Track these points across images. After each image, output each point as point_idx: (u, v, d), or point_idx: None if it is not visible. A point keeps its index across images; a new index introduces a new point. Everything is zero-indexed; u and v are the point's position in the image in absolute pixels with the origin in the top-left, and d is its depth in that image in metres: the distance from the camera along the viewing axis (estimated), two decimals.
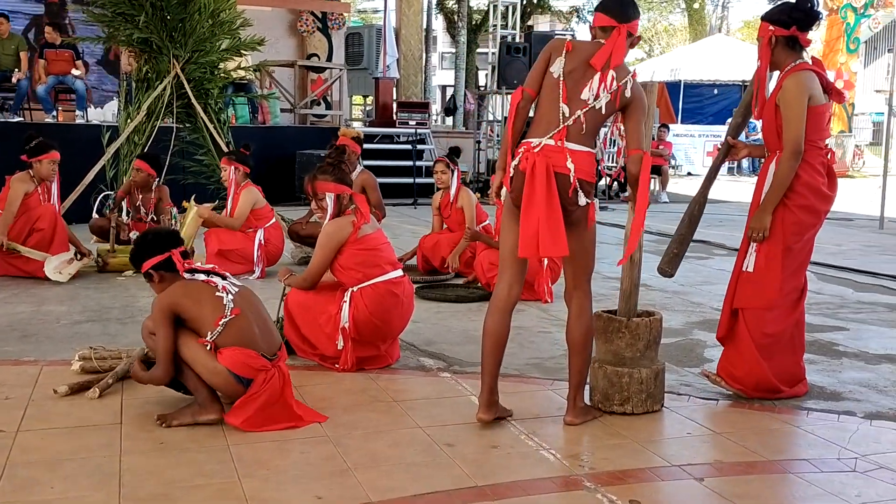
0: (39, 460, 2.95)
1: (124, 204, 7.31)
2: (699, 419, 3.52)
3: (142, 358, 3.86)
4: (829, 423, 3.48)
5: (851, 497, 2.77)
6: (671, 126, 17.11)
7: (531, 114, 3.38)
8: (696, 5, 29.29)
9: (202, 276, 3.38)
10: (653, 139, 17.14)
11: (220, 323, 3.24)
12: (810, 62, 3.70)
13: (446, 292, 6.02)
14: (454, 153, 6.93)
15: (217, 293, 3.31)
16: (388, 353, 4.26)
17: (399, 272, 4.23)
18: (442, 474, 2.90)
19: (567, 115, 3.25)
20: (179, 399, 3.47)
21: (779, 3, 3.84)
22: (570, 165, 3.20)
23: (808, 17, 3.67)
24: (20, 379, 3.84)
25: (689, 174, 20.07)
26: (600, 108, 3.25)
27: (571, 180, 3.20)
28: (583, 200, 3.25)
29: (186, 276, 3.37)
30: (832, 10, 23.20)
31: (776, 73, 3.75)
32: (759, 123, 3.86)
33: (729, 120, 17.72)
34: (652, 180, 14.20)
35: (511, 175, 3.30)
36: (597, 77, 3.25)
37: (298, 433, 3.25)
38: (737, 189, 15.80)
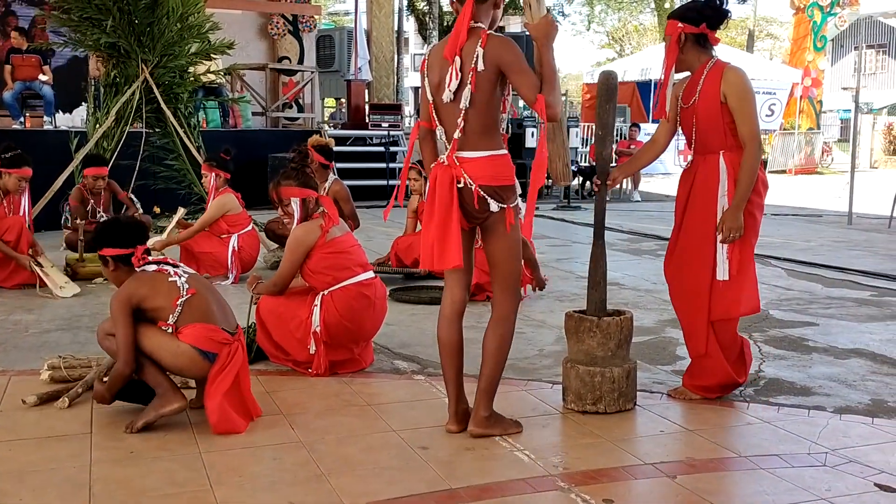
0: (7, 472, 2.90)
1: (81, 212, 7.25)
2: (672, 417, 3.54)
3: (104, 373, 3.83)
4: (800, 419, 3.52)
5: (822, 491, 2.80)
6: (643, 125, 17.22)
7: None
8: (666, 5, 29.51)
9: (152, 267, 3.40)
10: (624, 138, 17.32)
11: (178, 303, 3.29)
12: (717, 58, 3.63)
13: (420, 294, 6.02)
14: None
15: (170, 279, 3.36)
16: (362, 356, 4.25)
17: (370, 274, 4.22)
18: (416, 478, 2.89)
19: (450, 129, 3.13)
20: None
21: (685, 3, 3.77)
22: (466, 177, 3.09)
23: (719, 15, 3.61)
24: None
25: (662, 174, 20.22)
26: (469, 103, 3.04)
27: (474, 191, 3.10)
28: (494, 206, 3.13)
29: (138, 270, 3.39)
30: (799, 9, 23.48)
31: (681, 73, 3.70)
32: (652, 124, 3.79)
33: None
34: (625, 179, 14.28)
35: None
36: (450, 71, 3.05)
37: (271, 439, 3.24)
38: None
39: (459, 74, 3.04)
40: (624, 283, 6.57)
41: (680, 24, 3.61)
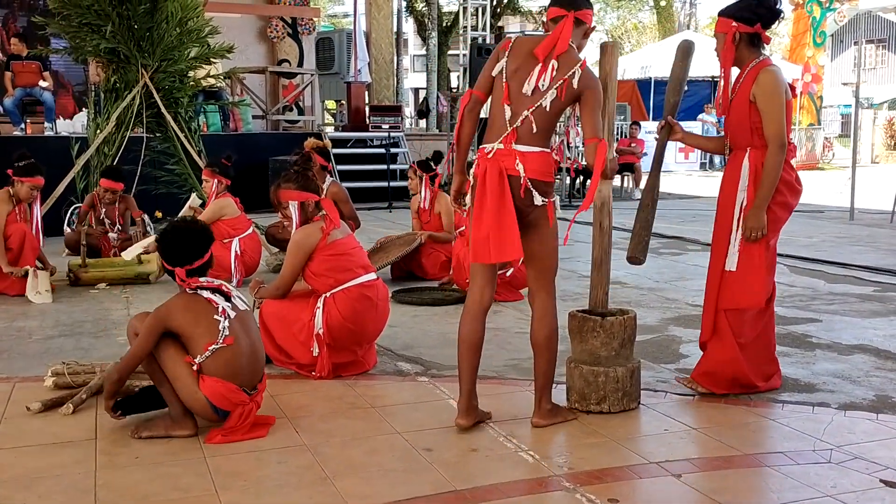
0: (13, 478, 2.91)
1: (89, 218, 7.26)
2: (676, 416, 3.54)
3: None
4: (804, 416, 3.52)
5: (827, 488, 2.80)
6: (643, 123, 17.21)
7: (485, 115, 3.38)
8: (663, 3, 29.51)
9: (206, 294, 3.29)
10: (625, 137, 17.25)
11: (210, 349, 3.19)
12: (764, 57, 3.69)
13: (423, 296, 6.02)
14: (436, 159, 6.96)
15: (215, 316, 3.24)
16: (365, 358, 4.25)
17: (372, 275, 4.22)
18: (421, 479, 2.89)
19: (513, 117, 3.23)
20: (154, 412, 3.45)
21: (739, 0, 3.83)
22: (520, 167, 3.20)
23: (773, 15, 3.68)
24: None
25: (663, 171, 20.20)
26: (546, 106, 3.21)
27: (522, 181, 3.20)
28: (538, 200, 3.23)
29: (189, 291, 3.31)
30: (798, 5, 23.44)
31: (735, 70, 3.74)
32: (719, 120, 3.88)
33: (701, 116, 17.74)
34: (625, 178, 14.28)
35: (472, 183, 3.32)
36: (537, 69, 3.22)
37: (275, 442, 3.24)
38: (708, 184, 15.93)
39: (553, 75, 3.20)
40: (627, 281, 6.57)
41: (734, 24, 3.64)
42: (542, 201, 3.25)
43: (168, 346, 3.23)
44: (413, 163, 7.04)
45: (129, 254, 6.26)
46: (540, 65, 3.22)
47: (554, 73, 3.21)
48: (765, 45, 3.72)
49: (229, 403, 3.23)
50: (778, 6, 3.70)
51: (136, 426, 3.32)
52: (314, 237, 4.08)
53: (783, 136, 3.58)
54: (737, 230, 3.66)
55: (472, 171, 3.33)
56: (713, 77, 21.55)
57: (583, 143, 3.27)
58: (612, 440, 3.26)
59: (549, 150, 3.29)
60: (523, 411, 3.56)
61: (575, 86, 3.21)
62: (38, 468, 3.00)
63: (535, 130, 3.23)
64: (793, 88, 3.88)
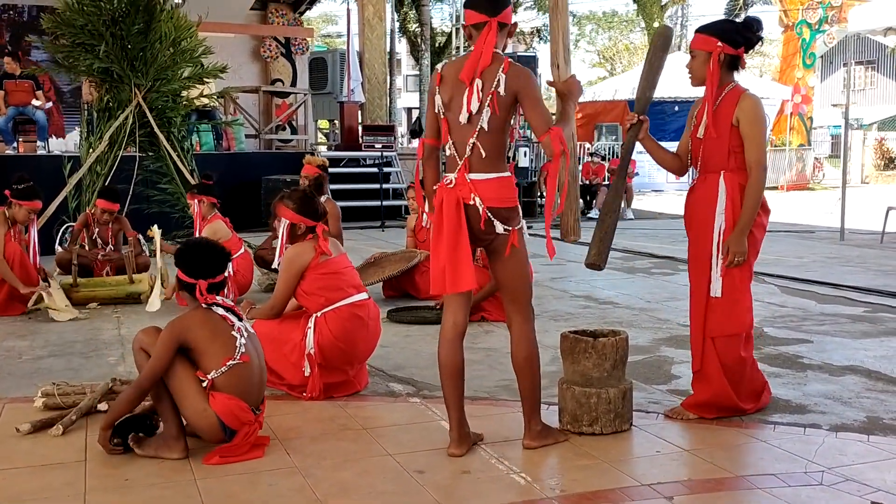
0: (2, 500, 2.88)
1: (81, 237, 7.24)
2: (668, 437, 3.54)
3: (104, 392, 3.82)
4: (796, 437, 3.52)
5: None
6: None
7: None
8: (655, 24, 29.72)
9: (221, 311, 3.30)
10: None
11: (227, 364, 3.19)
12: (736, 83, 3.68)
13: (415, 315, 6.01)
14: None
15: (232, 332, 3.25)
16: (357, 378, 4.24)
17: (364, 295, 4.22)
18: (413, 502, 2.88)
19: (459, 148, 3.19)
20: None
21: (721, 18, 3.84)
22: (476, 198, 3.15)
23: (757, 40, 3.68)
24: None
25: (655, 191, 20.29)
26: (485, 127, 3.12)
27: (482, 212, 3.17)
28: (500, 228, 3.19)
29: (204, 307, 3.31)
30: (788, 27, 23.68)
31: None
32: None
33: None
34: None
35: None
36: (465, 93, 3.13)
37: (266, 464, 3.22)
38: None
39: (480, 96, 3.10)
40: (618, 301, 6.58)
41: (720, 44, 3.60)
42: (505, 230, 3.19)
43: (176, 362, 3.20)
44: (413, 182, 7.06)
45: (152, 306, 6.22)
46: (468, 89, 3.14)
47: (480, 91, 3.10)
48: (741, 69, 3.71)
49: (238, 422, 3.22)
50: (760, 32, 3.69)
51: (135, 437, 3.30)
52: (307, 255, 4.08)
53: (765, 161, 3.61)
54: (717, 255, 3.64)
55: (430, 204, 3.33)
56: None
57: (538, 142, 3.20)
58: (605, 462, 3.25)
59: (506, 174, 3.21)
60: (515, 432, 3.55)
61: (503, 93, 3.10)
62: (27, 490, 2.97)
63: (484, 156, 3.16)
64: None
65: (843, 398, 4.09)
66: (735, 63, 3.67)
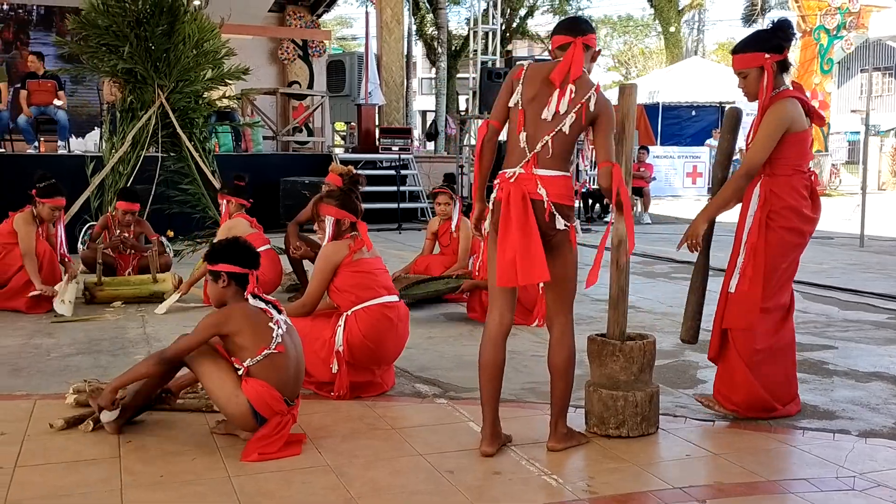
0: (40, 496, 2.92)
1: (102, 238, 7.29)
2: (696, 441, 3.54)
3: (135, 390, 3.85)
4: (825, 442, 3.52)
5: None
6: (651, 148, 17.27)
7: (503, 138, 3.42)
8: (671, 29, 29.70)
9: (262, 304, 3.39)
10: (634, 161, 17.30)
11: (263, 353, 3.26)
12: (790, 87, 3.74)
13: (427, 289, 6.23)
14: (450, 180, 7.02)
15: (270, 323, 3.34)
16: (383, 379, 4.27)
17: (394, 297, 4.26)
18: (446, 502, 2.90)
19: (532, 142, 3.27)
20: (179, 430, 3.49)
21: (752, 33, 3.91)
22: (542, 191, 3.23)
23: (791, 36, 3.75)
24: (14, 414, 3.80)
25: (671, 196, 20.25)
26: (565, 130, 3.26)
27: (546, 205, 3.23)
28: (560, 224, 3.26)
29: (249, 298, 3.38)
30: (806, 32, 23.58)
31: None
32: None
33: (709, 141, 17.72)
34: (634, 202, 14.31)
35: (491, 208, 3.35)
36: (556, 94, 3.27)
37: (299, 462, 3.24)
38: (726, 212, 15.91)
39: (571, 100, 3.24)
40: (640, 305, 6.58)
41: (767, 56, 3.66)
42: (565, 225, 3.28)
43: (209, 351, 3.30)
44: (445, 187, 7.08)
45: (162, 309, 6.26)
46: (557, 90, 3.27)
47: (572, 96, 3.26)
48: (788, 69, 3.76)
49: (270, 410, 3.27)
50: (792, 30, 3.78)
51: (217, 421, 3.49)
52: (341, 252, 4.16)
53: (755, 165, 3.66)
54: (741, 254, 3.74)
55: (492, 196, 3.36)
56: (721, 103, 21.66)
57: (596, 167, 3.32)
58: (634, 465, 3.26)
59: (568, 174, 3.33)
60: (544, 435, 3.55)
61: (592, 109, 3.26)
62: (64, 486, 3.01)
63: (554, 154, 3.27)
64: (820, 117, 3.93)
65: (871, 404, 4.08)
66: (785, 66, 3.73)
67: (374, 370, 4.21)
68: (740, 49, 3.76)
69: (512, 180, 3.27)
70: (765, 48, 3.67)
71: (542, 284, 3.48)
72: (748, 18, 30.89)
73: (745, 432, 3.65)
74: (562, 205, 3.27)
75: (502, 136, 3.44)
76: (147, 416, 3.73)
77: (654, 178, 15.76)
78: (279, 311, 3.45)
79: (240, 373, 3.27)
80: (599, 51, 3.48)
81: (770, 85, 3.67)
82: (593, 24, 3.51)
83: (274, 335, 3.32)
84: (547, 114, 3.26)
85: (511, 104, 3.34)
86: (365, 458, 3.30)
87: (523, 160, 3.28)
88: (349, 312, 4.12)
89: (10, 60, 14.38)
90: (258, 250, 6.34)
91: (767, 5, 29.68)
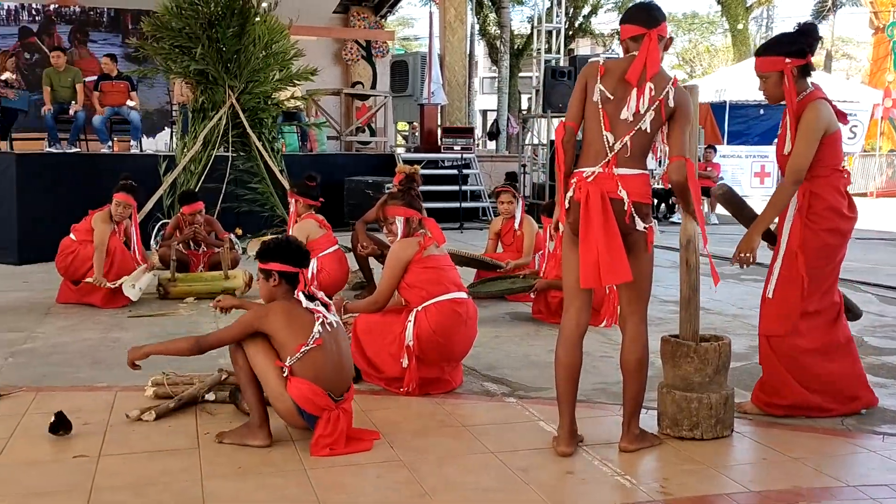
0: (124, 485, 3.01)
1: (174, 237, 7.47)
2: (773, 444, 3.48)
3: (214, 383, 3.95)
4: None
5: None
6: (717, 147, 16.96)
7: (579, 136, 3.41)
8: (739, 26, 29.11)
9: (310, 304, 3.41)
10: (700, 161, 17.05)
11: (301, 350, 3.28)
12: (812, 88, 3.71)
13: (499, 286, 6.34)
14: (512, 179, 7.02)
15: (311, 319, 3.36)
16: (452, 377, 4.30)
17: (464, 294, 4.29)
18: (519, 500, 2.90)
19: (612, 142, 3.24)
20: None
21: (776, 36, 3.90)
22: (623, 193, 3.20)
23: (816, 42, 3.71)
24: (96, 405, 3.93)
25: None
26: (646, 128, 3.22)
27: (626, 206, 3.21)
28: (640, 225, 3.25)
29: (302, 297, 3.42)
30: (878, 29, 22.94)
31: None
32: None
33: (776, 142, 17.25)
34: (702, 202, 14.10)
35: (567, 207, 3.32)
36: (634, 93, 3.23)
37: (371, 457, 3.29)
38: None
39: (649, 98, 3.20)
40: (710, 307, 6.48)
41: (788, 60, 3.64)
42: (644, 225, 3.26)
43: (262, 347, 3.33)
44: (507, 186, 7.08)
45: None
46: (636, 89, 3.23)
47: (652, 94, 3.22)
48: (812, 72, 3.73)
49: (314, 406, 3.29)
50: (817, 33, 3.75)
51: (218, 432, 3.46)
52: (411, 249, 4.21)
53: (801, 172, 3.62)
54: (780, 258, 3.72)
55: (568, 195, 3.34)
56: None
57: (667, 161, 3.27)
58: (709, 467, 3.22)
59: (646, 172, 3.30)
60: (615, 436, 3.54)
61: (671, 104, 3.23)
62: (147, 475, 3.10)
63: (633, 153, 3.25)
64: (843, 115, 3.89)
65: None
66: (807, 70, 3.70)
67: (443, 367, 4.23)
68: (762, 52, 3.78)
69: (590, 180, 3.25)
70: (786, 52, 3.66)
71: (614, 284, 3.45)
72: (819, 14, 30.10)
73: (822, 437, 3.57)
74: (641, 203, 3.25)
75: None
76: (221, 408, 3.82)
77: (721, 178, 15.47)
78: (327, 308, 3.45)
79: (284, 374, 3.29)
80: (671, 38, 3.40)
81: (793, 89, 3.65)
82: (663, 10, 3.39)
83: (313, 331, 3.32)
84: (627, 113, 3.23)
85: (595, 100, 3.29)
86: (436, 455, 3.32)
87: (602, 159, 3.25)
88: (419, 308, 4.16)
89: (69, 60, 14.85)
90: (327, 251, 6.59)
91: (839, 1, 28.89)
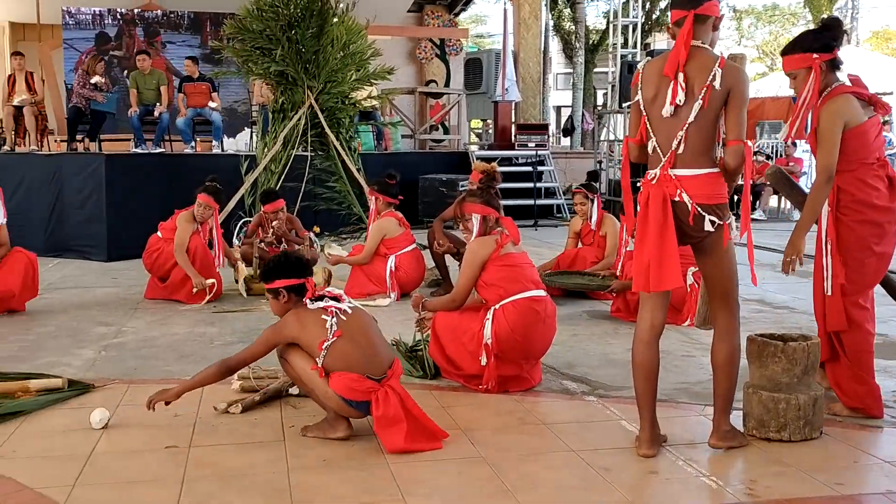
0: (213, 475, 3.10)
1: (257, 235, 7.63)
2: (865, 447, 3.38)
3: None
4: None
5: None
6: (798, 141, 16.48)
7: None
8: (823, 17, 28.22)
9: (320, 304, 3.47)
10: (781, 156, 16.55)
11: (324, 347, 3.35)
12: (846, 82, 3.66)
13: (574, 280, 6.47)
14: (592, 179, 6.97)
15: (323, 316, 3.40)
16: (531, 374, 4.29)
17: (542, 292, 4.27)
18: (603, 499, 2.89)
19: (664, 143, 3.15)
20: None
21: (801, 33, 3.84)
22: (684, 194, 3.11)
23: (841, 35, 3.65)
24: (185, 397, 3.98)
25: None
26: (692, 121, 3.08)
27: (690, 208, 3.12)
28: (710, 226, 3.14)
29: (309, 302, 3.48)
30: None
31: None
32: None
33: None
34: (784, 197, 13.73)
35: (633, 209, 3.30)
36: (670, 89, 3.09)
37: (452, 453, 3.31)
38: None
39: (683, 88, 3.07)
40: (794, 306, 6.31)
41: (815, 56, 3.61)
42: (715, 226, 3.15)
43: (299, 355, 3.44)
44: (580, 187, 7.03)
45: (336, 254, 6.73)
46: (673, 82, 3.11)
47: (683, 84, 3.08)
48: (840, 66, 3.66)
49: (359, 393, 3.34)
50: (842, 27, 3.70)
51: (303, 426, 3.55)
52: (489, 247, 4.21)
53: (829, 170, 3.55)
54: (826, 255, 3.69)
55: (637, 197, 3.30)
56: (875, 93, 20.39)
57: (723, 145, 3.15)
58: (798, 469, 3.14)
59: (713, 170, 3.16)
60: (698, 436, 3.49)
61: (717, 87, 3.05)
62: (234, 467, 3.18)
63: (693, 150, 3.12)
64: (883, 105, 3.79)
65: None
66: (835, 64, 3.66)
67: (522, 364, 4.23)
68: (789, 50, 3.73)
69: (653, 182, 3.19)
70: (813, 48, 3.61)
71: (696, 283, 3.41)
72: None
73: None
74: (709, 205, 3.13)
75: None
76: (305, 401, 3.89)
77: (805, 173, 15.05)
78: (337, 301, 3.49)
79: (322, 375, 3.37)
80: (722, 16, 3.23)
81: (817, 85, 3.60)
82: None
83: (328, 326, 3.37)
84: (666, 111, 3.11)
85: (641, 107, 3.22)
86: (518, 452, 3.32)
87: (660, 163, 3.18)
88: (497, 306, 4.16)
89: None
90: (405, 250, 6.65)
91: None
